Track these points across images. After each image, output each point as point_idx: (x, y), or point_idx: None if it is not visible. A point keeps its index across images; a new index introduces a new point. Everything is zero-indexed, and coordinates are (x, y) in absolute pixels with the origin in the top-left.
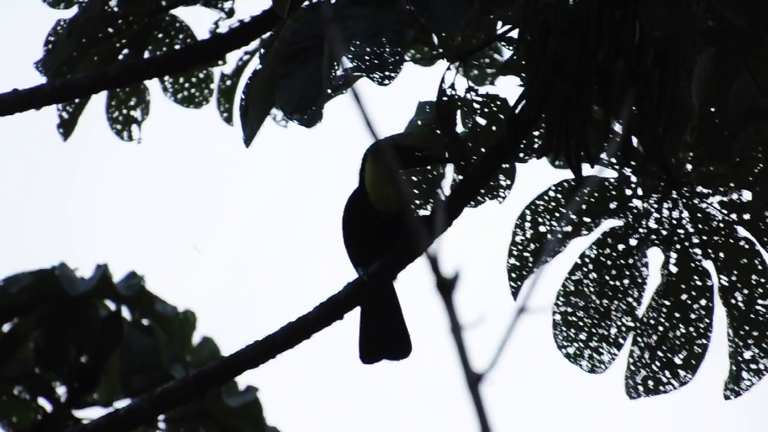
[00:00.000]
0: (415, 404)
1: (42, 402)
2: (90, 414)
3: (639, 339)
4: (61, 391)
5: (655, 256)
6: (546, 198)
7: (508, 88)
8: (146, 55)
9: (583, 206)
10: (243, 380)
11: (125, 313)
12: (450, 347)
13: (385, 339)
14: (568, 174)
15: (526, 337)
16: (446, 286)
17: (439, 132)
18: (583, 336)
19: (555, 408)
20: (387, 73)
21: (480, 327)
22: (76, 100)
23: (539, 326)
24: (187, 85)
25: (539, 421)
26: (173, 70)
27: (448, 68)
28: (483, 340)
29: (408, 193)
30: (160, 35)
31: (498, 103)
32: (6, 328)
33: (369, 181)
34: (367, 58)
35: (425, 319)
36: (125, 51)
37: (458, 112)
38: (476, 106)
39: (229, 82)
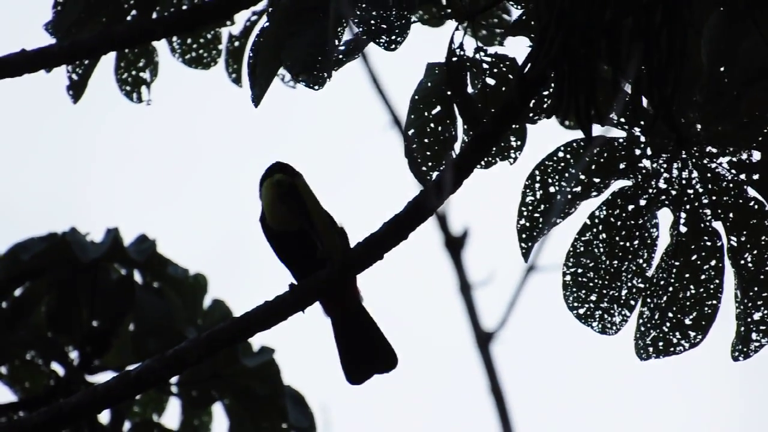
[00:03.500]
0: (426, 363)
1: (55, 367)
2: (103, 379)
3: (649, 300)
4: (73, 355)
5: (664, 216)
6: (555, 158)
7: (517, 48)
8: (154, 15)
9: (593, 167)
10: (258, 341)
11: (137, 276)
12: (459, 306)
13: (368, 356)
14: (577, 134)
15: (536, 296)
16: (455, 245)
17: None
18: (593, 297)
19: (565, 366)
20: (393, 38)
21: (489, 285)
22: (86, 62)
23: (549, 284)
24: (195, 46)
25: (549, 380)
26: (181, 30)
27: (457, 28)
28: (492, 299)
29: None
30: None
31: (507, 63)
32: (17, 292)
33: (264, 200)
34: (373, 22)
35: (435, 277)
36: (133, 12)
37: (468, 73)
38: (485, 66)
39: (237, 43)
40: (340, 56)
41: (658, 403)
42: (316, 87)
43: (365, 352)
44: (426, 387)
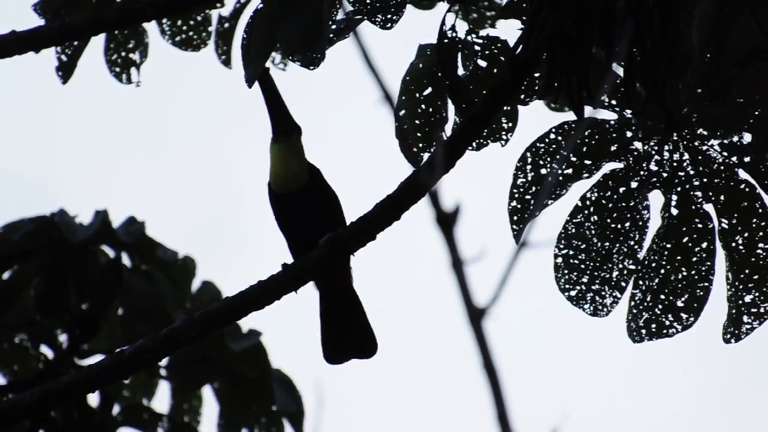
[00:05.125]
0: (418, 339)
1: (44, 350)
2: (92, 362)
3: (641, 282)
4: (62, 338)
5: (655, 198)
6: (547, 140)
7: (509, 30)
8: None
9: (584, 149)
10: (246, 324)
11: (125, 259)
12: (451, 282)
13: (349, 338)
14: (567, 116)
15: (529, 272)
16: (447, 221)
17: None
18: (585, 279)
19: (558, 342)
20: (389, 16)
21: (481, 261)
22: (75, 43)
23: (541, 260)
24: (185, 27)
25: (542, 355)
26: (172, 12)
27: (449, 10)
28: (485, 275)
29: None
30: None
31: (499, 45)
32: (6, 275)
33: (270, 156)
34: (368, 1)
35: (426, 253)
36: None
37: (459, 55)
38: (477, 48)
39: (227, 25)
40: (332, 35)
41: (652, 377)
42: (312, 67)
43: (347, 334)
44: (418, 363)
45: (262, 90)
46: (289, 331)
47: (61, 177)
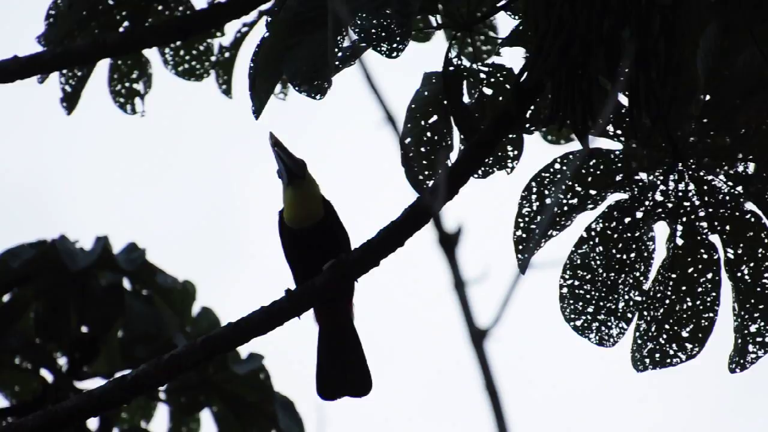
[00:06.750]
0: (420, 360)
1: (43, 372)
2: (91, 385)
3: (645, 312)
4: (62, 361)
5: (661, 229)
6: (552, 170)
7: (514, 59)
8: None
9: (589, 179)
10: (247, 348)
11: (125, 283)
12: (453, 303)
13: (345, 375)
14: (572, 146)
15: (531, 293)
16: (449, 242)
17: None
18: (590, 309)
19: (560, 363)
20: (395, 46)
21: (484, 283)
22: (79, 74)
23: (544, 281)
24: (187, 57)
25: (544, 377)
26: (172, 38)
27: (454, 38)
28: (487, 296)
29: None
30: (160, 7)
31: (504, 73)
32: (6, 298)
33: (286, 199)
34: (373, 31)
35: (428, 274)
36: (125, 24)
37: (464, 83)
38: (482, 76)
39: (227, 54)
40: (338, 63)
41: (654, 399)
42: (318, 97)
43: (342, 371)
44: (420, 385)
45: (272, 148)
46: (292, 353)
47: (61, 197)
